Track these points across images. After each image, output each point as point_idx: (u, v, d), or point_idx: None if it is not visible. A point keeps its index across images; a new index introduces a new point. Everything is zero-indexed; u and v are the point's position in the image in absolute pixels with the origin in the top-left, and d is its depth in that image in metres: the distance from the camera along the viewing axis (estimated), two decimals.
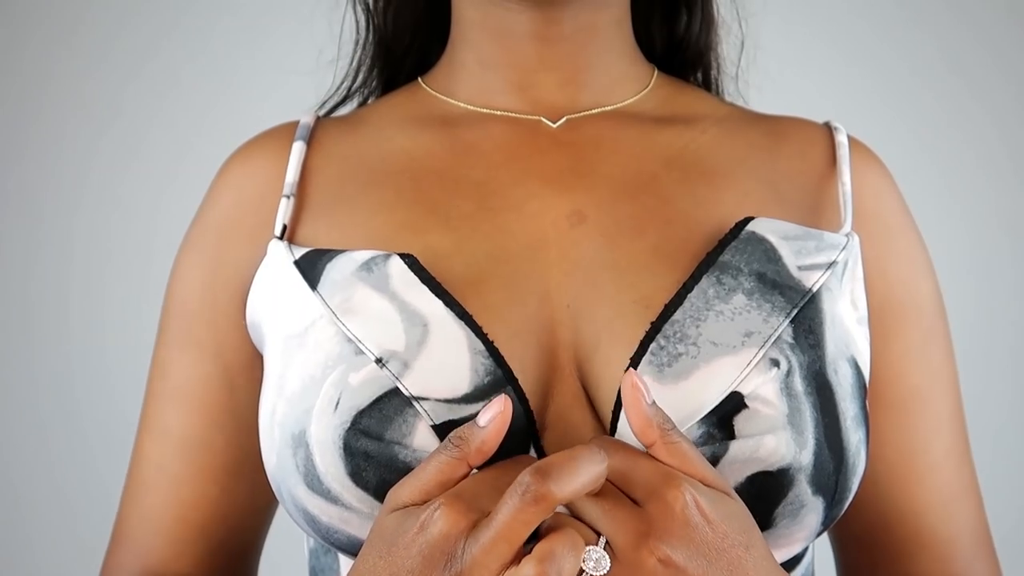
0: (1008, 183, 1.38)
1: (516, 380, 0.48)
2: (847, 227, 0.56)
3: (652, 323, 0.49)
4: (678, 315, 0.49)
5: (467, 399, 0.47)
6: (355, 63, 0.68)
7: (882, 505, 0.59)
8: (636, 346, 0.49)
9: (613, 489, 0.43)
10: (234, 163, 0.61)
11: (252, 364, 0.58)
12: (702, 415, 0.46)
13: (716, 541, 0.41)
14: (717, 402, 0.47)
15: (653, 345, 0.48)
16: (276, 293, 0.54)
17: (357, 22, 0.67)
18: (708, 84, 0.70)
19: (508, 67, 0.58)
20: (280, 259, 0.54)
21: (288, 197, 0.57)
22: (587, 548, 0.41)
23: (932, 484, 0.59)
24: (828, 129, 0.61)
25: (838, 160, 0.59)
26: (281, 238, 0.55)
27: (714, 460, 0.46)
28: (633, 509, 0.42)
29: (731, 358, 0.47)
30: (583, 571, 0.40)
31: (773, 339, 0.48)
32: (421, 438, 0.46)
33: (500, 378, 0.47)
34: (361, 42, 0.67)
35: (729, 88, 0.71)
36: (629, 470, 0.43)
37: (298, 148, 0.59)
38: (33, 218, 1.45)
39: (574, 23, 0.57)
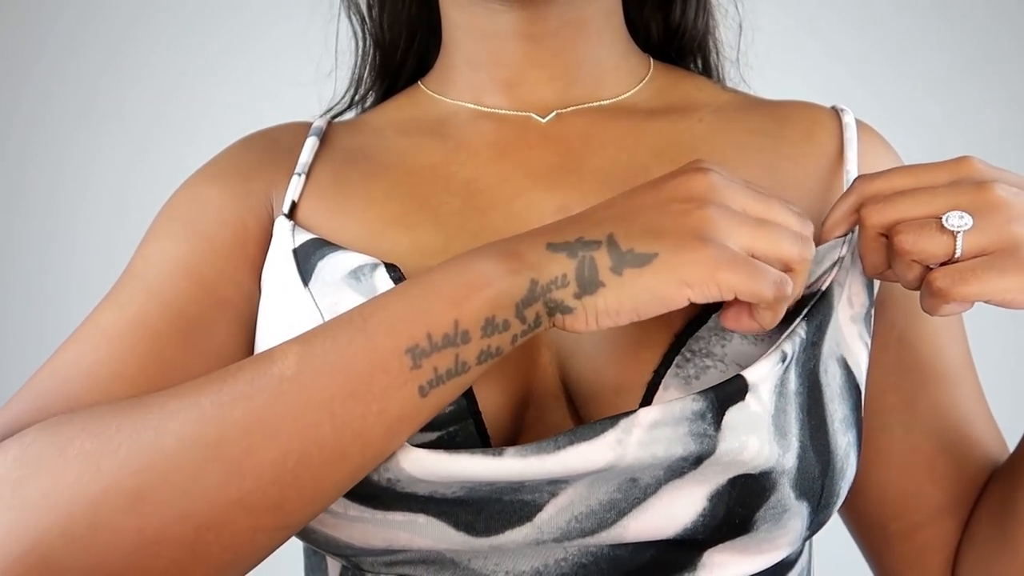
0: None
1: (479, 414, 0.47)
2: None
3: (676, 335, 0.48)
4: (703, 332, 0.48)
5: (425, 426, 0.46)
6: (356, 73, 0.69)
7: (941, 481, 0.57)
8: (631, 351, 0.48)
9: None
10: (257, 133, 0.62)
11: (243, 300, 0.55)
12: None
13: None
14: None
15: (679, 358, 0.47)
16: (275, 275, 0.54)
17: (354, 32, 0.68)
18: (708, 70, 0.69)
19: (496, 66, 0.58)
20: (283, 242, 0.55)
21: (299, 175, 0.58)
22: (945, 213, 0.45)
23: (986, 445, 0.58)
24: (835, 112, 0.60)
25: (844, 144, 0.57)
26: (289, 216, 0.56)
27: (699, 460, 0.44)
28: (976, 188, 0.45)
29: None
30: (949, 232, 0.44)
31: (787, 332, 0.48)
32: None
33: (463, 408, 0.47)
34: (360, 51, 0.68)
35: (731, 73, 0.70)
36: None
37: (311, 142, 0.60)
38: (31, 227, 1.49)
39: (560, 19, 0.57)
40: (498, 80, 0.59)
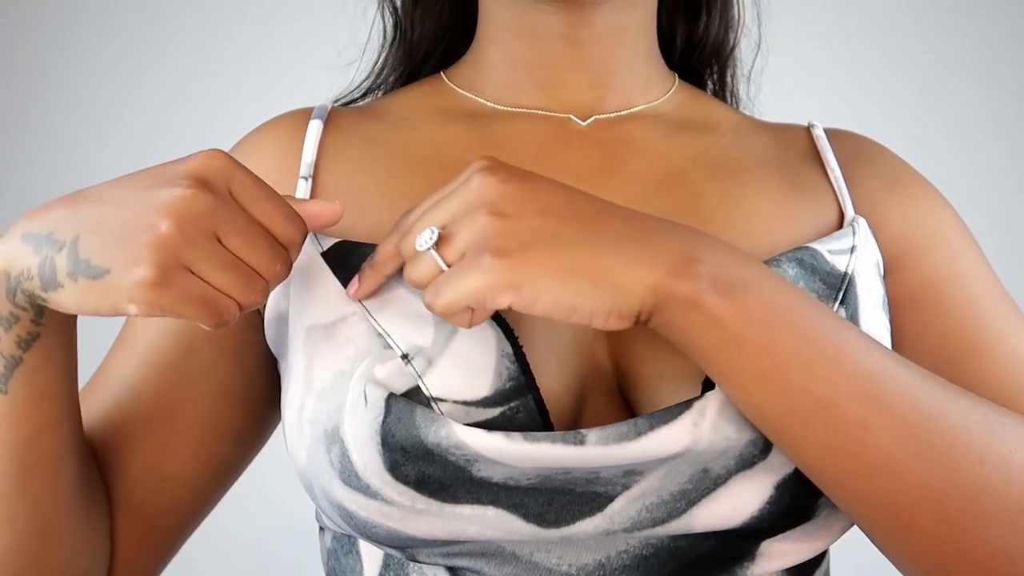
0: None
1: (537, 389, 0.47)
2: (850, 212, 0.56)
3: None
4: None
5: (486, 402, 0.46)
6: (379, 64, 0.68)
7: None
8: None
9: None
10: (246, 144, 0.59)
11: (223, 337, 0.56)
12: None
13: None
14: None
15: None
16: (303, 282, 0.52)
17: (385, 27, 0.67)
18: (724, 85, 0.71)
19: (537, 66, 0.59)
20: (305, 247, 0.52)
21: (306, 179, 0.55)
22: (417, 234, 0.44)
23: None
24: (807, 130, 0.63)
25: (820, 152, 0.60)
26: None
27: (768, 445, 0.46)
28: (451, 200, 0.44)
29: None
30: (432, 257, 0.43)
31: None
32: (451, 431, 0.45)
33: (523, 384, 0.47)
34: (387, 44, 0.67)
35: (742, 92, 0.72)
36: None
37: (315, 126, 0.57)
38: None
39: (604, 25, 0.58)
40: (537, 80, 0.59)
